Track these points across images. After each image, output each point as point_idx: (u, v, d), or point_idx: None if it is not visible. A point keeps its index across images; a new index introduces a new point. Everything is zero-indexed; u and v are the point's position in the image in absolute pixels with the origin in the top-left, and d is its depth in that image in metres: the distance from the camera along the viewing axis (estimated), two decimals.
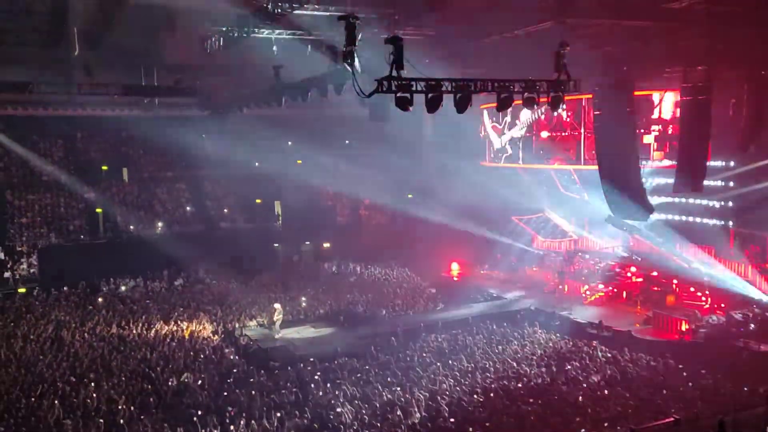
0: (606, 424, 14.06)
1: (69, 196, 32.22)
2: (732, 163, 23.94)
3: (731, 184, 24.50)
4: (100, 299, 26.32)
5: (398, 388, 16.31)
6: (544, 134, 26.38)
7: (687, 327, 20.97)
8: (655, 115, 23.38)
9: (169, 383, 16.99)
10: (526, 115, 26.61)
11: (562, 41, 14.77)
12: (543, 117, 25.93)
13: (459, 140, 29.85)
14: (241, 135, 32.13)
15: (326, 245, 34.29)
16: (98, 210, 31.58)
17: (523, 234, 32.41)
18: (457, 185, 31.34)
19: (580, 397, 15.73)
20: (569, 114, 24.93)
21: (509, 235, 31.71)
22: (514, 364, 18.30)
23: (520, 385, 16.78)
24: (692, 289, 24.06)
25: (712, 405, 14.69)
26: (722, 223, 25.02)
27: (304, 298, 25.87)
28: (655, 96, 23.26)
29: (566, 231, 31.93)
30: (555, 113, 20.31)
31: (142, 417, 14.85)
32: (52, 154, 33.81)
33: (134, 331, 21.72)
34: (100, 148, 35.14)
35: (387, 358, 18.86)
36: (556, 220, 32.11)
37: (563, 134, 25.76)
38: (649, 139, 23.33)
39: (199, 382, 17.11)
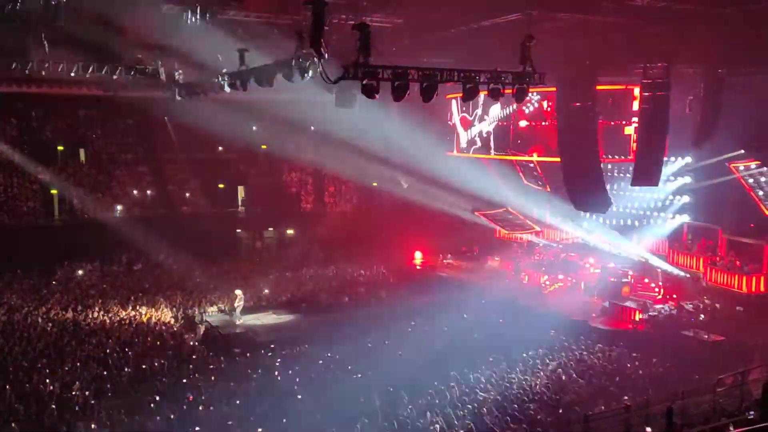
0: (561, 411, 14.41)
1: (22, 176, 31.17)
2: (687, 159, 24.64)
3: (686, 179, 25.26)
4: (54, 283, 25.65)
5: (359, 375, 16.40)
6: (523, 123, 26.27)
7: (640, 317, 21.60)
8: (636, 107, 23.36)
9: (126, 369, 16.71)
10: (495, 110, 26.68)
11: (528, 34, 14.91)
12: (513, 112, 25.93)
13: (426, 130, 29.93)
14: (205, 118, 31.57)
15: (290, 232, 34.10)
16: (53, 191, 30.70)
17: (486, 225, 32.83)
18: (422, 175, 31.49)
19: (537, 385, 16.08)
20: (549, 104, 24.89)
21: (472, 225, 32.08)
22: (474, 352, 18.57)
23: (478, 373, 17.04)
24: (646, 281, 24.77)
25: (661, 392, 15.19)
26: (677, 216, 25.81)
27: (265, 285, 25.72)
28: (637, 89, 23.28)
29: (528, 223, 32.44)
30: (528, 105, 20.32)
31: (94, 402, 14.57)
32: (6, 133, 32.55)
33: (90, 316, 21.26)
34: (57, 127, 34.05)
35: (348, 346, 18.92)
36: (518, 212, 32.57)
37: (543, 124, 25.74)
38: (629, 130, 23.32)
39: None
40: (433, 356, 18.23)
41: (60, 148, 32.78)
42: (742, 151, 22.24)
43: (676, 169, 25.23)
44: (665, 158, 22.36)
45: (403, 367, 17.16)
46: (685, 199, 25.48)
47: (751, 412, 10.68)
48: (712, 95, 20.21)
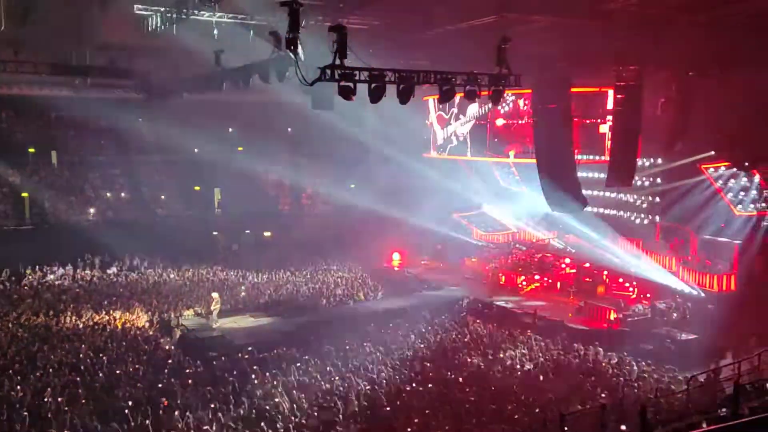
0: (537, 410, 14.51)
1: None
2: (659, 160, 25.05)
3: (658, 180, 25.68)
4: (25, 287, 25.12)
5: (337, 378, 16.34)
6: (500, 122, 26.33)
7: (615, 316, 21.89)
8: (610, 106, 22.88)
9: (99, 375, 16.43)
10: (472, 110, 26.77)
11: (503, 36, 15.04)
12: (489, 110, 26.01)
13: (403, 131, 29.98)
14: (180, 120, 31.21)
15: (267, 234, 33.88)
16: (24, 194, 30.10)
17: (463, 226, 33.01)
18: (399, 176, 31.54)
19: (515, 386, 16.18)
20: (526, 102, 24.98)
21: (450, 227, 32.23)
22: (453, 354, 18.65)
23: (457, 373, 17.10)
24: (621, 280, 25.10)
25: (635, 391, 15.41)
26: (649, 217, 26.22)
27: (243, 288, 25.50)
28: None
29: (505, 223, 32.71)
30: (500, 106, 20.41)
31: (67, 409, 14.27)
32: None
33: (63, 321, 20.86)
34: (27, 129, 33.32)
35: (326, 348, 18.84)
36: (495, 213, 32.83)
37: (520, 122, 25.82)
38: (604, 128, 23.45)
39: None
40: (412, 356, 18.28)
41: (31, 150, 32.09)
42: (713, 153, 22.69)
43: (648, 170, 25.64)
44: (638, 160, 22.75)
45: (382, 368, 17.15)
46: (657, 199, 25.90)
47: (724, 409, 10.89)
48: (683, 97, 20.60)
